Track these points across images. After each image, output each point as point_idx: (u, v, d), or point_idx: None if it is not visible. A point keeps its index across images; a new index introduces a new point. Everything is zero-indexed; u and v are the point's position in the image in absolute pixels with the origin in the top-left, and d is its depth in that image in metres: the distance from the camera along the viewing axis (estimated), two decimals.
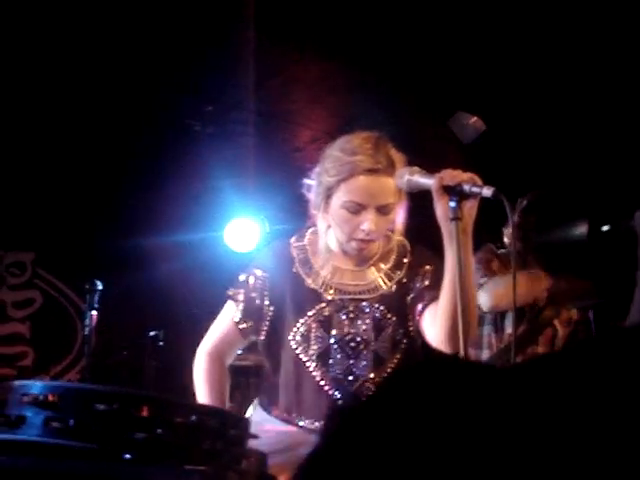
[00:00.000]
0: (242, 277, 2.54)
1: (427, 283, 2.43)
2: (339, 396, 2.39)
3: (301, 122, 6.23)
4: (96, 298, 4.46)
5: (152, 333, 5.10)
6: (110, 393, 1.42)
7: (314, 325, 2.41)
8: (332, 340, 2.40)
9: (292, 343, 2.43)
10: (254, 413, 2.55)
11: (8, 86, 5.59)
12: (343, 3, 4.93)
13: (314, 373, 2.40)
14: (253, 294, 2.50)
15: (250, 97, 6.08)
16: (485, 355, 3.51)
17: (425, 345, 2.46)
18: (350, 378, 2.38)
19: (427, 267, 2.45)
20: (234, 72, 5.78)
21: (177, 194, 6.50)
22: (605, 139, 5.42)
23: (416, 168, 2.23)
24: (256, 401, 2.62)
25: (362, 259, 2.47)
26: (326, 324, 2.41)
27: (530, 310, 3.57)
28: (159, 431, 1.40)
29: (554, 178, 4.19)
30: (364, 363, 2.40)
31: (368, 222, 2.32)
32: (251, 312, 2.51)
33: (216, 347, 2.58)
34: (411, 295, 2.44)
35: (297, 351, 2.42)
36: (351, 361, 2.39)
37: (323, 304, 2.42)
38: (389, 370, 2.40)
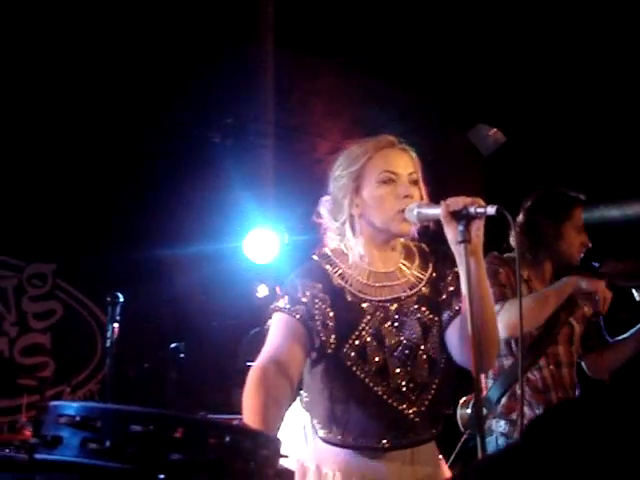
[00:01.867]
0: (286, 288, 2.43)
1: (452, 289, 2.43)
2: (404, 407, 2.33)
3: (320, 134, 6.25)
4: (118, 310, 4.49)
5: (173, 345, 5.12)
6: (146, 414, 1.43)
7: (368, 340, 2.34)
8: (388, 352, 2.35)
9: (347, 361, 2.34)
10: (308, 440, 2.44)
11: (30, 101, 5.64)
12: (362, 17, 4.95)
13: (375, 388, 2.33)
14: (304, 299, 2.37)
15: (269, 110, 6.12)
16: (507, 362, 3.50)
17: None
18: (411, 385, 2.35)
19: (455, 269, 2.42)
20: (253, 85, 5.82)
21: (197, 206, 6.53)
22: (624, 146, 5.42)
23: (423, 201, 2.37)
24: (305, 424, 2.46)
25: (402, 235, 2.43)
26: (378, 337, 2.35)
27: None
28: (193, 452, 1.41)
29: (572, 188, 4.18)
30: (421, 368, 2.37)
31: (404, 187, 2.36)
32: (312, 314, 2.36)
33: (273, 357, 2.29)
34: (442, 296, 2.45)
35: (354, 368, 2.33)
36: (408, 369, 2.35)
37: (368, 316, 2.37)
38: (441, 371, 2.40)
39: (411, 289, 2.44)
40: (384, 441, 2.32)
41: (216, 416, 5.08)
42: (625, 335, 3.68)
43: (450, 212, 2.19)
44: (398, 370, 2.35)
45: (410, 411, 2.34)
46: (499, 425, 3.49)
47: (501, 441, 3.49)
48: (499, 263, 3.50)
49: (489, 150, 5.52)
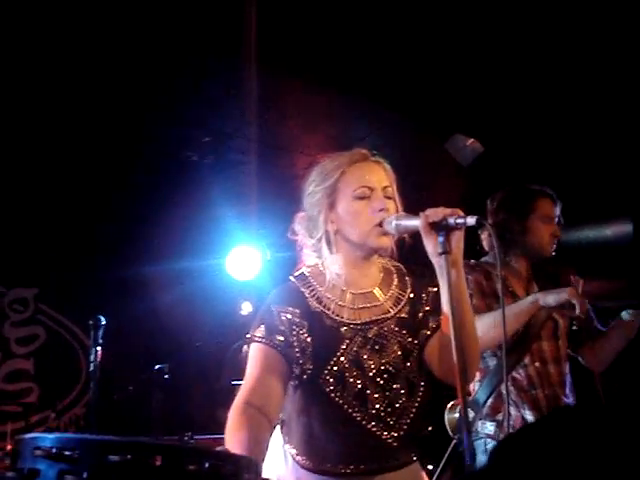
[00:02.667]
0: (262, 315, 2.37)
1: (428, 308, 2.41)
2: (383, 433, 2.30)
3: (299, 149, 6.25)
4: (100, 333, 4.46)
5: (157, 367, 5.09)
6: (123, 443, 1.42)
7: (347, 365, 2.30)
8: (367, 377, 2.30)
9: (326, 387, 2.29)
10: (287, 460, 2.39)
11: (6, 116, 5.61)
12: (339, 33, 4.96)
13: (354, 414, 2.28)
14: (282, 327, 2.31)
15: (248, 126, 6.11)
16: (492, 362, 3.50)
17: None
18: (389, 410, 2.30)
19: (430, 289, 2.44)
20: (231, 102, 5.81)
21: (178, 224, 6.51)
22: (605, 155, 5.45)
23: (402, 213, 2.34)
24: (283, 451, 2.41)
25: (381, 249, 2.39)
26: (357, 362, 2.31)
27: None
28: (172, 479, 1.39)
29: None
30: (399, 392, 2.33)
31: (379, 201, 2.34)
32: (290, 342, 2.31)
33: (252, 394, 2.25)
34: (419, 317, 2.41)
35: (332, 395, 2.28)
36: (387, 393, 2.32)
37: (347, 341, 2.32)
38: (420, 394, 2.37)
39: (390, 311, 2.40)
40: (362, 466, 2.29)
41: (203, 437, 5.05)
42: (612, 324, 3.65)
43: (429, 223, 2.17)
44: (377, 395, 2.31)
45: (389, 436, 2.30)
46: (485, 427, 3.48)
47: (489, 444, 3.48)
48: (467, 271, 3.49)
49: (467, 160, 5.53)
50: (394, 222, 2.29)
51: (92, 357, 4.41)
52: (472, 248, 3.48)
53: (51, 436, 1.44)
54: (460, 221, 2.14)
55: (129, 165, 6.23)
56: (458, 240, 2.18)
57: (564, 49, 4.93)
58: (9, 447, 5.08)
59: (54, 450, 1.40)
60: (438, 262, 2.19)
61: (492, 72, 5.10)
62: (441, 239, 2.15)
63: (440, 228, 2.16)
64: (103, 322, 4.49)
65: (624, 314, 3.54)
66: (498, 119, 5.49)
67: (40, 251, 6.46)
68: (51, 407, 5.99)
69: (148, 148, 6.13)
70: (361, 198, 2.35)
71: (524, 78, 5.14)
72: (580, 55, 4.96)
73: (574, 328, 3.64)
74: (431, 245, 2.18)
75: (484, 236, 3.63)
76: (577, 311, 3.32)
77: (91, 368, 4.44)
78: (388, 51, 5.13)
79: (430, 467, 4.85)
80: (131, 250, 6.50)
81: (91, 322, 4.47)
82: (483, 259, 3.68)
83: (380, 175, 2.40)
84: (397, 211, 2.37)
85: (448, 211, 2.16)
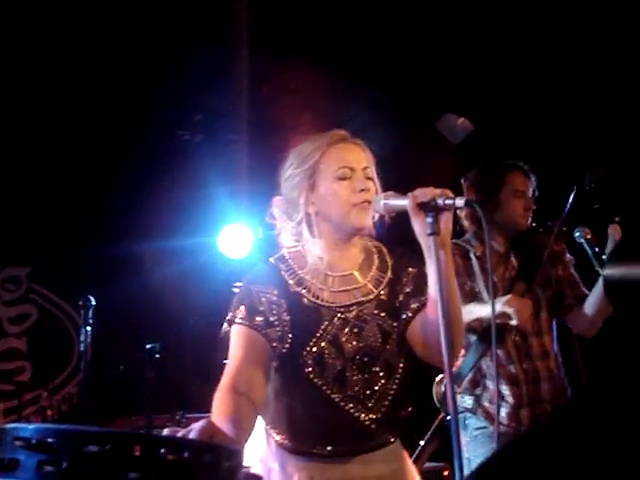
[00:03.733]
0: (241, 296, 2.36)
1: (409, 290, 2.41)
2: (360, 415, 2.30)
3: (290, 128, 6.24)
4: (90, 314, 4.47)
5: (149, 346, 5.09)
6: (102, 434, 1.43)
7: (325, 346, 2.30)
8: (346, 359, 2.31)
9: (305, 368, 2.30)
10: (269, 440, 2.40)
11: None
12: (330, 12, 4.94)
13: (333, 395, 2.29)
14: (261, 307, 2.31)
15: (240, 105, 6.10)
16: (473, 338, 3.51)
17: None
18: (368, 392, 2.32)
19: (410, 269, 2.44)
20: (222, 81, 5.80)
21: (169, 202, 6.51)
22: (594, 130, 5.45)
23: (390, 192, 2.32)
24: (265, 434, 2.41)
25: (361, 228, 2.38)
26: (336, 344, 2.31)
27: (501, 281, 3.58)
28: (152, 470, 1.41)
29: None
30: (378, 374, 2.34)
31: (361, 181, 2.33)
32: (270, 322, 2.31)
33: (236, 378, 2.21)
34: (399, 298, 2.41)
35: (311, 376, 2.30)
36: (366, 375, 2.32)
37: (326, 322, 2.32)
38: (399, 376, 2.38)
39: (370, 293, 2.39)
40: (341, 448, 2.30)
41: (195, 415, 5.08)
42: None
43: (418, 204, 2.15)
44: (356, 377, 2.32)
45: (367, 418, 2.31)
46: (464, 400, 3.52)
47: (468, 419, 3.51)
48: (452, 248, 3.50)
49: (458, 139, 5.53)
50: (382, 201, 2.27)
51: (82, 337, 4.44)
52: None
53: (31, 426, 1.45)
54: (449, 202, 2.13)
55: (121, 144, 6.23)
56: (447, 221, 2.17)
57: (553, 25, 4.93)
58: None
59: (34, 440, 1.41)
60: (426, 243, 2.17)
61: (482, 50, 5.09)
62: (430, 220, 2.13)
63: (429, 209, 2.14)
64: (93, 302, 4.51)
65: (576, 234, 3.54)
66: (488, 97, 5.48)
67: (32, 230, 6.46)
68: (43, 386, 6.01)
69: (140, 127, 6.12)
70: (342, 179, 2.33)
71: (513, 56, 5.13)
72: (569, 30, 4.95)
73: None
74: (419, 226, 2.16)
75: (463, 215, 3.62)
76: (514, 322, 3.34)
77: (82, 348, 4.46)
78: (379, 30, 5.12)
79: (422, 443, 4.91)
80: (123, 228, 6.50)
81: (81, 303, 4.49)
82: (463, 238, 3.68)
83: (360, 156, 2.39)
84: (377, 192, 2.36)
85: (437, 192, 2.15)
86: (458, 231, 3.59)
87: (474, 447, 3.50)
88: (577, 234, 3.56)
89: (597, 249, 3.54)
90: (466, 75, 5.31)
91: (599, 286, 3.48)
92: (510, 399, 3.48)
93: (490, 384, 3.49)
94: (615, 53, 4.98)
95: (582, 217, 3.67)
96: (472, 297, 3.51)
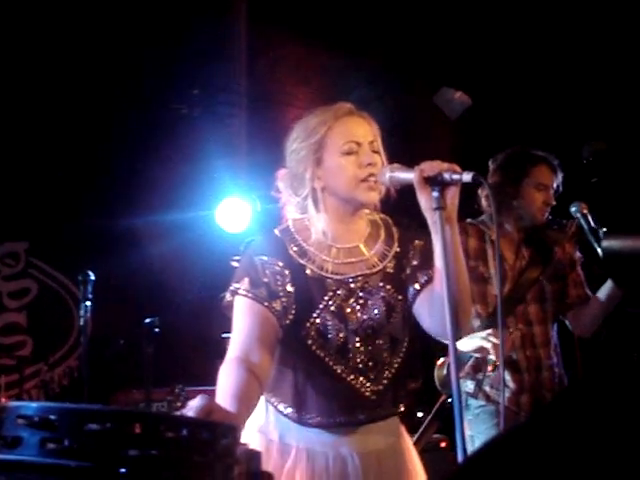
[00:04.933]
0: (244, 267, 2.34)
1: (416, 263, 2.40)
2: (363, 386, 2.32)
3: (289, 102, 6.23)
4: (89, 289, 4.50)
5: (148, 320, 5.13)
6: (103, 412, 1.46)
7: (329, 318, 2.30)
8: (350, 331, 2.30)
9: (307, 339, 2.30)
10: (269, 412, 2.40)
11: None
12: None
13: (335, 367, 2.30)
14: (265, 279, 2.29)
15: (238, 79, 6.09)
16: (477, 323, 3.55)
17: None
18: (371, 364, 2.32)
19: (417, 242, 2.43)
20: (220, 55, 5.78)
21: (168, 176, 6.51)
22: (591, 103, 5.45)
23: (396, 165, 2.29)
24: (264, 405, 2.40)
25: (368, 203, 2.37)
26: (340, 315, 2.31)
27: (511, 269, 3.62)
28: (151, 447, 1.44)
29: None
30: (382, 347, 2.34)
31: (367, 155, 2.31)
32: (275, 293, 2.29)
33: (241, 353, 2.22)
34: (406, 272, 2.40)
35: (313, 347, 2.30)
36: (369, 347, 2.32)
37: (330, 293, 2.31)
38: (404, 350, 2.38)
39: (376, 266, 2.38)
40: (342, 419, 2.31)
41: (194, 388, 5.14)
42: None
43: (424, 178, 2.12)
44: (359, 349, 2.32)
45: (369, 390, 2.32)
46: (465, 384, 3.56)
47: (469, 401, 3.57)
48: (465, 227, 3.53)
49: (456, 113, 5.52)
50: (388, 174, 2.25)
51: (82, 312, 4.47)
52: (470, 206, 3.51)
53: (33, 404, 1.48)
54: (456, 177, 2.11)
55: (119, 118, 6.22)
56: (453, 196, 2.14)
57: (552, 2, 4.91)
58: (3, 400, 5.15)
59: (36, 418, 1.43)
60: (432, 217, 2.15)
61: (480, 25, 5.07)
62: (436, 194, 2.11)
63: (435, 183, 2.11)
64: (92, 277, 4.53)
65: (572, 209, 3.56)
66: (486, 71, 5.47)
67: (30, 205, 6.46)
68: (44, 360, 6.06)
69: (138, 101, 6.11)
70: (349, 153, 2.31)
71: (512, 30, 5.11)
72: (567, 3, 4.94)
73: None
74: (425, 200, 2.14)
75: (483, 195, 3.63)
76: (492, 357, 3.36)
77: (81, 322, 4.49)
78: (377, 4, 5.10)
79: (420, 414, 4.96)
80: (122, 203, 6.51)
81: (80, 277, 4.51)
82: (479, 218, 3.69)
83: (366, 129, 2.37)
84: (383, 165, 2.34)
85: (445, 166, 2.13)
86: (475, 209, 3.61)
87: (476, 424, 3.56)
88: (573, 209, 3.58)
89: (593, 224, 3.56)
90: (463, 49, 5.29)
91: (607, 286, 3.56)
92: (511, 384, 3.54)
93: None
94: (611, 26, 4.97)
95: (579, 191, 3.70)
96: (482, 281, 3.56)
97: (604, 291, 3.59)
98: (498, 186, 3.57)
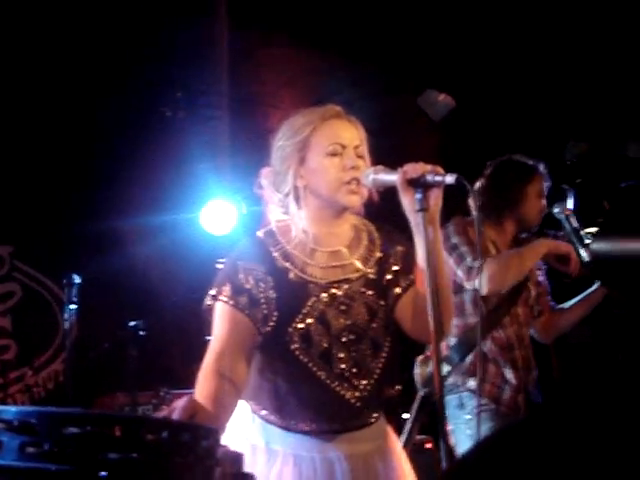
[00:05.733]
0: (226, 272, 2.33)
1: (398, 268, 2.41)
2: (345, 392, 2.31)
3: (272, 104, 6.24)
4: (74, 292, 4.49)
5: (132, 323, 5.12)
6: (83, 415, 1.46)
7: (311, 323, 2.29)
8: (333, 336, 2.30)
9: (291, 345, 2.28)
10: (255, 418, 2.39)
11: None
12: None
13: (319, 373, 2.28)
14: (248, 286, 2.29)
15: (221, 81, 6.08)
16: (473, 320, 3.57)
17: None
18: (354, 370, 2.31)
19: (399, 248, 2.45)
20: (204, 57, 5.78)
21: (152, 178, 6.49)
22: (575, 105, 5.48)
23: (380, 167, 2.30)
24: (250, 411, 2.40)
25: (350, 206, 2.37)
26: (323, 320, 2.30)
27: None
28: (131, 450, 1.44)
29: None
30: (365, 353, 2.34)
31: (351, 159, 2.32)
32: (256, 300, 2.29)
33: (219, 361, 2.22)
34: (387, 277, 2.42)
35: (297, 353, 2.29)
36: (353, 353, 2.32)
37: (313, 298, 2.31)
38: (385, 355, 2.38)
39: (358, 271, 2.39)
40: (325, 426, 2.31)
41: (179, 391, 5.13)
42: (572, 302, 3.82)
43: (407, 179, 2.15)
44: (342, 355, 2.31)
45: (352, 396, 2.32)
46: (467, 382, 3.58)
47: (468, 399, 3.59)
48: (467, 223, 3.59)
49: (439, 115, 5.54)
50: (371, 176, 2.27)
51: (67, 315, 4.46)
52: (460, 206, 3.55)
53: (13, 409, 1.49)
54: (439, 179, 2.12)
55: (103, 121, 6.20)
56: (436, 198, 2.17)
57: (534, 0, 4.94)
58: None
59: (16, 422, 1.44)
60: (415, 219, 2.17)
61: (464, 27, 5.09)
62: (419, 196, 2.13)
63: (418, 185, 2.13)
64: (77, 280, 4.53)
65: (555, 210, 3.64)
66: (470, 74, 5.49)
67: (14, 209, 6.43)
68: (28, 364, 6.02)
69: (121, 103, 6.09)
70: (333, 155, 2.32)
71: (495, 32, 5.13)
72: (550, 4, 4.96)
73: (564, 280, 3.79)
74: (408, 201, 2.16)
75: (471, 200, 3.67)
76: (570, 268, 3.53)
77: (66, 326, 4.48)
78: (362, 6, 5.11)
79: (405, 416, 4.96)
80: (106, 206, 6.48)
81: (65, 281, 4.50)
82: (470, 218, 3.74)
83: (352, 133, 2.38)
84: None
85: (428, 168, 2.14)
86: (463, 213, 3.66)
87: (476, 424, 3.57)
88: (556, 210, 3.62)
89: (576, 225, 3.60)
90: (447, 51, 5.31)
91: (587, 293, 3.76)
92: (514, 381, 3.61)
93: (493, 368, 3.59)
94: (595, 26, 5.00)
95: (563, 193, 3.75)
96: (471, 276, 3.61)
97: (574, 305, 3.82)
98: (504, 184, 3.69)
